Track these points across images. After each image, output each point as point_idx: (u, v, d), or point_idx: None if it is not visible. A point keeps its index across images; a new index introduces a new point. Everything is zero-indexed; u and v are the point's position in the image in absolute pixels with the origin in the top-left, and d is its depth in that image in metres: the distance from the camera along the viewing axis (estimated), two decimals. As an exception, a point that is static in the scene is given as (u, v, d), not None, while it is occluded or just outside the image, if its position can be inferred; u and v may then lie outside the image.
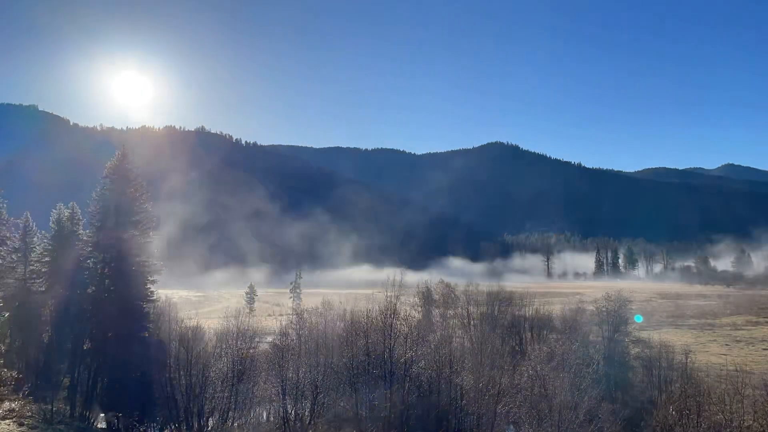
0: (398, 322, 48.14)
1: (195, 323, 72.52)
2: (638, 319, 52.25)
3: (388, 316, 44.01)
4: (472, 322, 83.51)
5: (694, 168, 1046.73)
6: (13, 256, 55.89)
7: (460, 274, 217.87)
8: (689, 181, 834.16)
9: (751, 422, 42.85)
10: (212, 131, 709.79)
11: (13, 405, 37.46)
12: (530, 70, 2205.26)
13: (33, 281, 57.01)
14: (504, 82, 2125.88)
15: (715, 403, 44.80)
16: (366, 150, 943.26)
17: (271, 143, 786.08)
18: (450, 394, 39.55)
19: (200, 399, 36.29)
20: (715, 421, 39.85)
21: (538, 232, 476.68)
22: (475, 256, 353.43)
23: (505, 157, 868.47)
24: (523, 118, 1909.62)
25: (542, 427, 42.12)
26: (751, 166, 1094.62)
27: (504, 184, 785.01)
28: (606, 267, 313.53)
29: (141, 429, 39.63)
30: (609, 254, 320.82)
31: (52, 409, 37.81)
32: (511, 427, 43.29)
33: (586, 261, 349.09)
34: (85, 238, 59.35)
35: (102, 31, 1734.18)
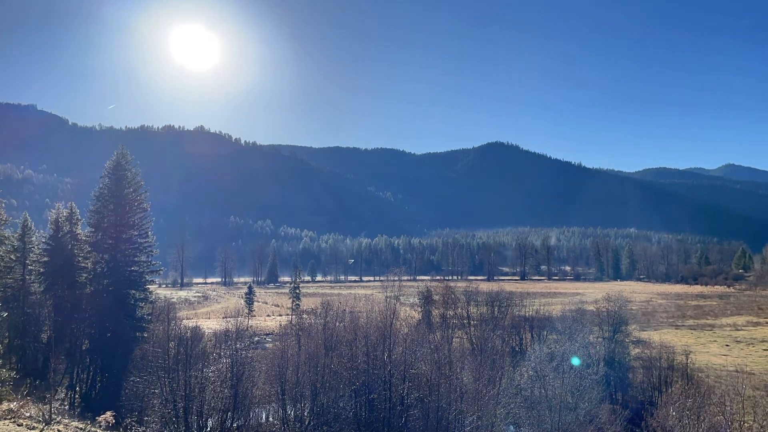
0: (398, 323, 47.98)
1: (194, 323, 72.56)
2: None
3: (388, 316, 43.88)
4: (472, 322, 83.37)
5: (694, 168, 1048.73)
6: (12, 256, 55.69)
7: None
8: (689, 181, 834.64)
9: (751, 423, 42.72)
10: (212, 131, 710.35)
11: (12, 405, 37.26)
12: (530, 71, 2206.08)
13: (31, 281, 56.82)
14: (504, 83, 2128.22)
15: (715, 403, 44.67)
16: (366, 150, 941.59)
17: (270, 143, 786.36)
18: (449, 395, 39.38)
19: (199, 399, 36.11)
20: (716, 422, 39.67)
21: (535, 230, 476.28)
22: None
23: (505, 157, 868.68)
24: (523, 118, 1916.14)
25: (542, 428, 42.01)
26: (751, 166, 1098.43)
27: (503, 183, 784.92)
28: (606, 267, 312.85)
29: (140, 429, 39.50)
30: (609, 254, 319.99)
31: (50, 409, 37.65)
32: (511, 427, 43.14)
33: (586, 261, 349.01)
34: (83, 238, 59.26)
35: (100, 31, 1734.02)
